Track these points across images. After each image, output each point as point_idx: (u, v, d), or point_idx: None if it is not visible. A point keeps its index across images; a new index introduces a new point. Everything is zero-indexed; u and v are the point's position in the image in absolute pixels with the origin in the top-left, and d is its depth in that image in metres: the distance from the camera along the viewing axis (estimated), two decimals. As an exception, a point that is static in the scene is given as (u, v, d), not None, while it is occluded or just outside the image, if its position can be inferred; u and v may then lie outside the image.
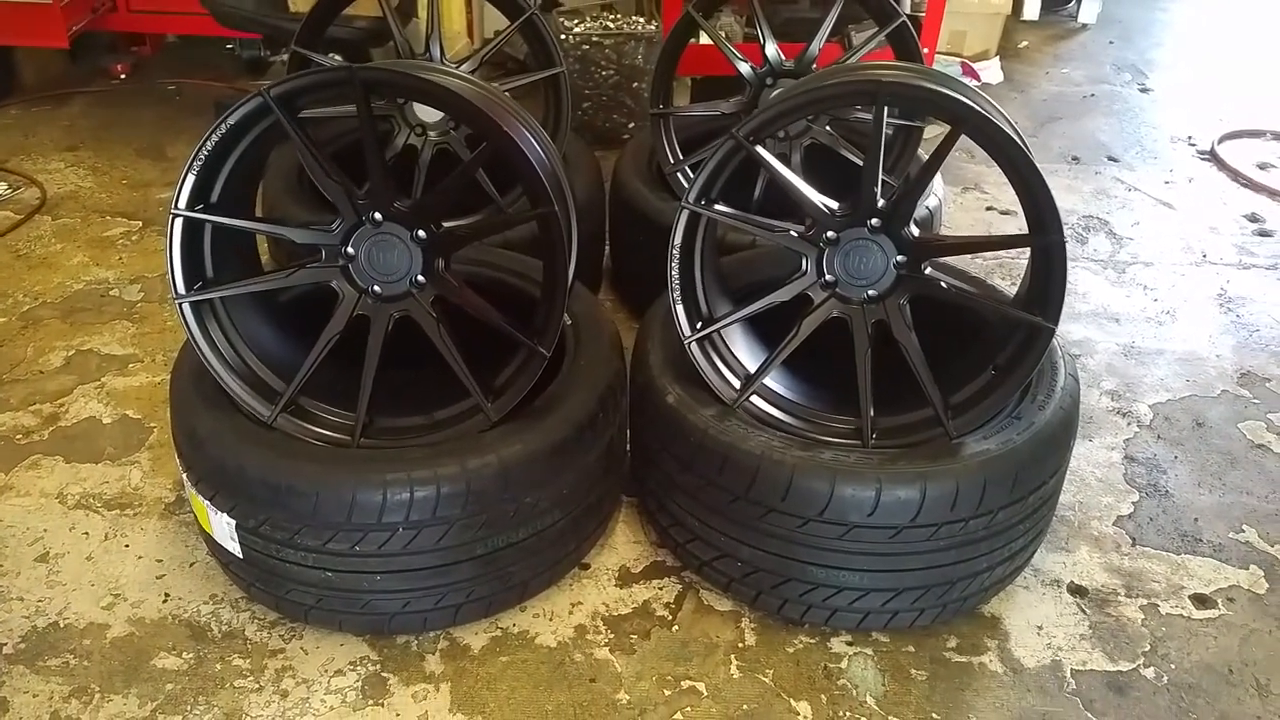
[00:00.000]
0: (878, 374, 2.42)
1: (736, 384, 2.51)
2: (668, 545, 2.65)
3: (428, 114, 3.30)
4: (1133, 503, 2.91)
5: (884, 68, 2.63)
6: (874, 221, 2.38)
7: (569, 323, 2.71)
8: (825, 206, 2.40)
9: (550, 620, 2.49)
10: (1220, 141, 5.25)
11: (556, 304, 2.32)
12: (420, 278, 2.37)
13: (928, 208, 3.42)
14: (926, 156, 2.94)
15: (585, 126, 4.71)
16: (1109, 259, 4.19)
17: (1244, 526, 2.83)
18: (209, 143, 2.24)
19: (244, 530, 2.31)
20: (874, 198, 2.35)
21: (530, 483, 2.31)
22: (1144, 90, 6.01)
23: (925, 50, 4.75)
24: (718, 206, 2.43)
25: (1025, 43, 6.55)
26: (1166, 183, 4.87)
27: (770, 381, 2.54)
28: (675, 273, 2.44)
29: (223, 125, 2.23)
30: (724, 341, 2.55)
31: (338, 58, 4.07)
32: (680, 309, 2.46)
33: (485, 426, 2.36)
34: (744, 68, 3.37)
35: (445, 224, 2.40)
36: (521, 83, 3.42)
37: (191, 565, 2.63)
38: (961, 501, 2.24)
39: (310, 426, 2.40)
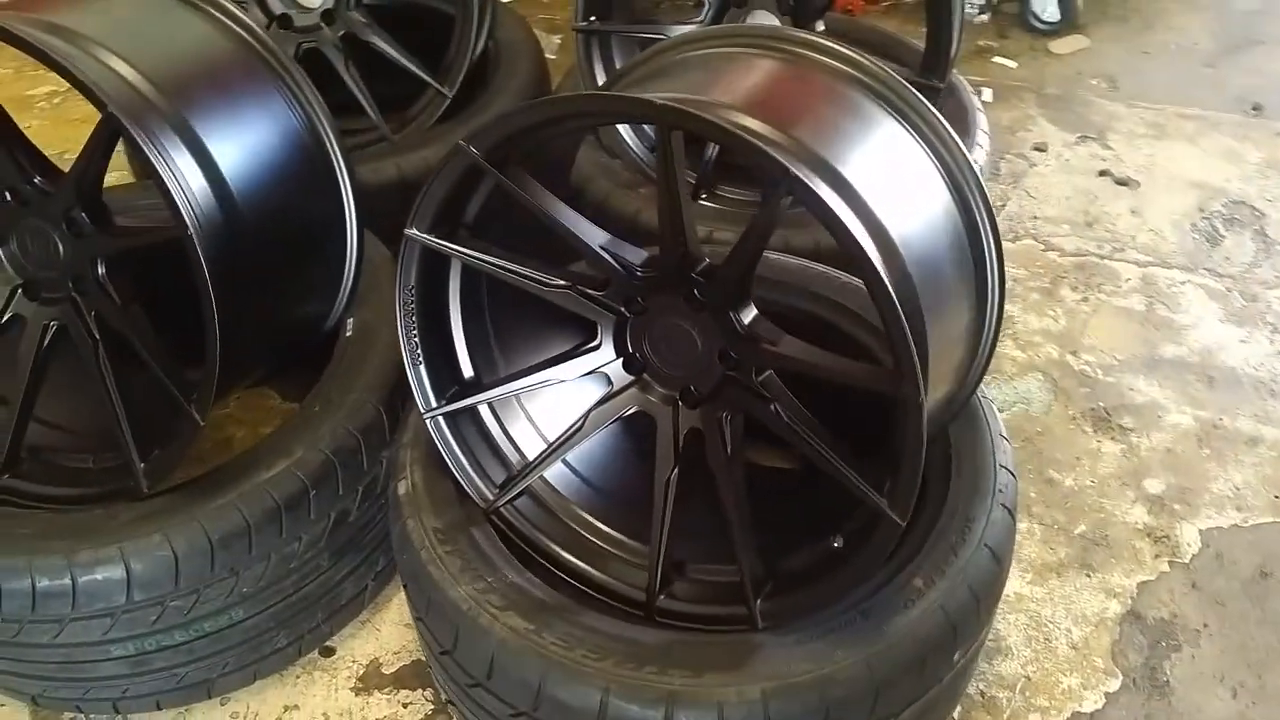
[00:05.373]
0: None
1: (500, 476, 1.80)
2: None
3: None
4: (1106, 694, 2.03)
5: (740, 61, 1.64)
6: (695, 292, 1.55)
7: (349, 335, 2.07)
8: (619, 260, 1.58)
9: (246, 728, 1.97)
10: None
11: (209, 359, 1.65)
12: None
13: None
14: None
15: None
16: (1241, 275, 3.03)
17: (1263, 769, 1.92)
18: None
19: None
20: (682, 256, 1.52)
21: (181, 585, 1.73)
22: None
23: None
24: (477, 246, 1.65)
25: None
26: (1381, 159, 3.52)
27: (560, 469, 1.82)
28: (412, 324, 1.70)
29: None
30: (495, 414, 1.82)
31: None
32: (423, 372, 1.74)
33: (140, 495, 1.78)
34: (701, -22, 2.44)
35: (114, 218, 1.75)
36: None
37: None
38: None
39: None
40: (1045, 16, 4.12)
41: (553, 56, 3.89)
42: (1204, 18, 4.24)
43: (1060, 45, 4.11)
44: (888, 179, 1.51)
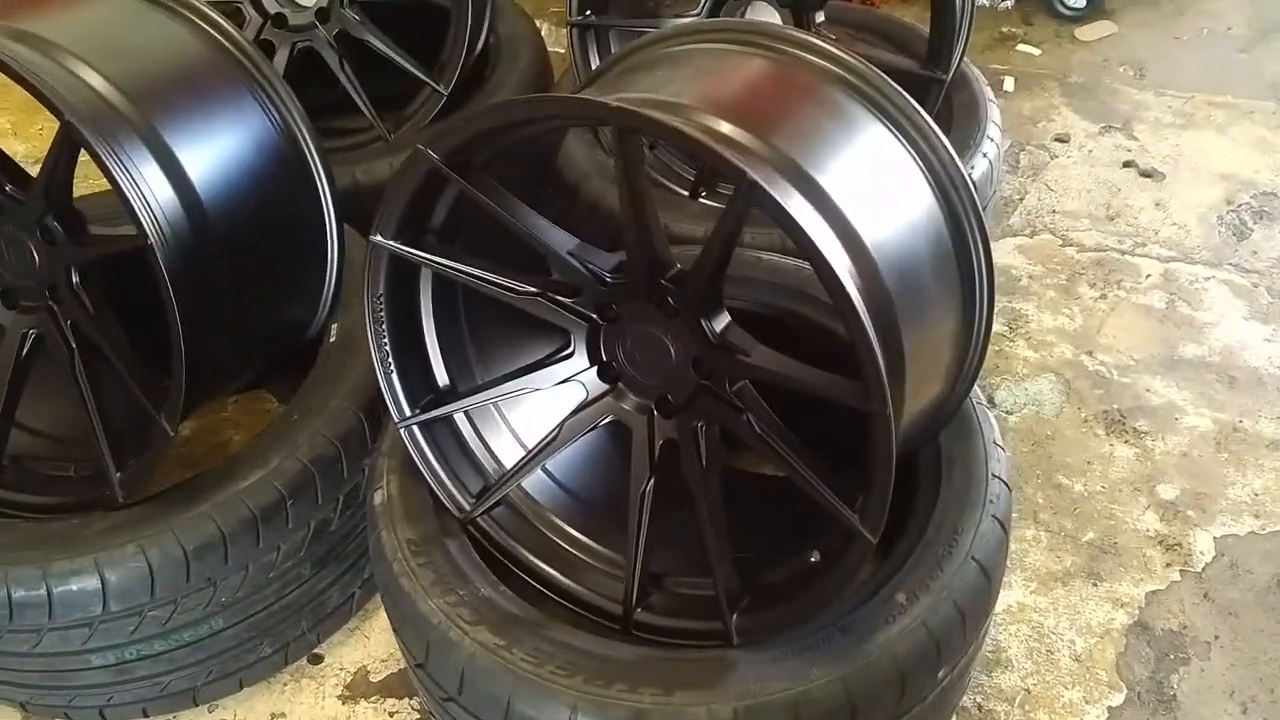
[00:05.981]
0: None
1: (477, 486, 1.77)
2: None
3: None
4: (1109, 708, 1.96)
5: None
6: (667, 299, 1.51)
7: (332, 339, 2.05)
8: (588, 267, 1.54)
9: (232, 734, 1.96)
10: None
11: (175, 368, 1.63)
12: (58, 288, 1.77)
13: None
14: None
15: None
16: (1269, 270, 2.91)
17: (1273, 790, 1.85)
18: None
19: None
20: (651, 261, 1.48)
21: (157, 595, 1.72)
22: None
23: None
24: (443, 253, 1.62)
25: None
26: None
27: (539, 477, 1.79)
28: (382, 331, 1.68)
29: None
30: (472, 422, 1.79)
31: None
32: (395, 380, 1.72)
33: (116, 505, 1.78)
34: (697, -29, 2.38)
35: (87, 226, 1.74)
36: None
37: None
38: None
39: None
40: (1071, 2, 4.00)
41: (561, 50, 3.84)
42: (1239, 1, 4.08)
43: (1087, 32, 3.98)
44: (865, 183, 1.46)
